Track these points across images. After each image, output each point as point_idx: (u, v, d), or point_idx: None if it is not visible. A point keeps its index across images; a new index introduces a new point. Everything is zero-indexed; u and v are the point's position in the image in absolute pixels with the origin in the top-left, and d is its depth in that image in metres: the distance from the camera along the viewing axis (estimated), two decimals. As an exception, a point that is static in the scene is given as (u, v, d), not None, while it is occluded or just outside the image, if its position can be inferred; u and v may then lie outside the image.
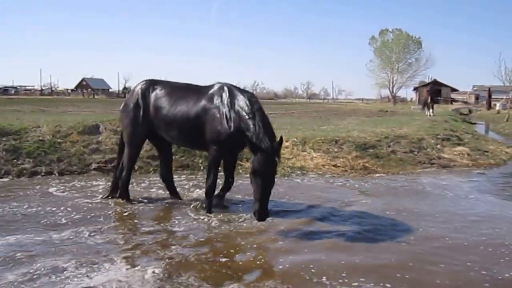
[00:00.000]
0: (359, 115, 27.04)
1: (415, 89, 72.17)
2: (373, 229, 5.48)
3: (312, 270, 4.18)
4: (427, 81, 68.19)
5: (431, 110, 24.42)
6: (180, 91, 6.32)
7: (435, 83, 61.89)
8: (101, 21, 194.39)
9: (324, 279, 4.00)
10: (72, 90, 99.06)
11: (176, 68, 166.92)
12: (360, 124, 17.59)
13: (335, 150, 10.49)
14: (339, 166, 9.58)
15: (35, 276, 3.87)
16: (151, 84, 6.50)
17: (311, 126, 16.53)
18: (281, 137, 5.33)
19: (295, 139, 10.85)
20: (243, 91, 5.95)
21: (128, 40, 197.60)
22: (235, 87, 6.03)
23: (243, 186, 7.41)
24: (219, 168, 6.12)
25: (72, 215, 5.78)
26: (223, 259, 4.45)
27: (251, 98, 5.74)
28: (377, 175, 9.22)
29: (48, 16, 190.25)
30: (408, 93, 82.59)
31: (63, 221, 5.54)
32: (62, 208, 6.05)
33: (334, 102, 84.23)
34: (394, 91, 75.91)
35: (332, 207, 6.49)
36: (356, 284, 3.91)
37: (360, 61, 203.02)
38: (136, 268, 4.13)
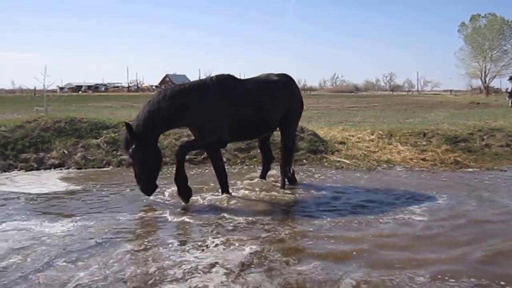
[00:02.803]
0: (448, 108, 25.72)
1: (511, 78, 66.65)
2: None
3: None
4: (526, 69, 62.68)
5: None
6: None
7: (534, 72, 56.64)
8: (179, 19, 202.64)
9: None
10: (156, 86, 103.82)
11: (254, 64, 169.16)
12: (450, 116, 16.76)
13: (423, 143, 10.12)
14: (427, 160, 9.23)
15: (148, 247, 4.46)
16: None
17: (396, 119, 16.10)
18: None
19: (380, 132, 10.65)
20: None
21: (208, 38, 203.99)
22: None
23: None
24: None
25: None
26: (311, 241, 4.67)
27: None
28: (470, 169, 8.77)
29: (132, 16, 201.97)
30: (503, 83, 76.43)
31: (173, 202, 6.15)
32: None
33: (419, 94, 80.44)
34: (487, 81, 70.77)
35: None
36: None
37: (448, 50, 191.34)
38: (234, 245, 4.50)
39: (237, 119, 6.21)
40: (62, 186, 7.21)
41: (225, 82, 6.32)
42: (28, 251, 4.27)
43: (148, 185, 5.88)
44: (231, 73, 6.56)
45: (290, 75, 7.16)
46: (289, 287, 3.62)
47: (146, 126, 5.77)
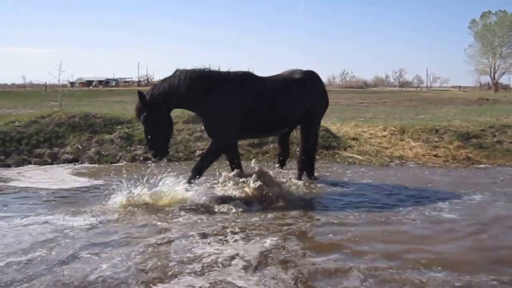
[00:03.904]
0: (457, 104, 25.65)
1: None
2: None
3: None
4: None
5: None
6: None
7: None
8: (190, 16, 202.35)
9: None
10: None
11: (261, 61, 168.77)
12: (460, 113, 16.73)
13: (436, 139, 10.14)
14: (440, 156, 9.27)
15: (170, 240, 4.56)
16: None
17: (406, 115, 16.09)
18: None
19: (393, 128, 10.67)
20: None
21: (214, 36, 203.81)
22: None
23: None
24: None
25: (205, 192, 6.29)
26: (331, 235, 4.72)
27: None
28: (482, 166, 8.78)
29: (143, 12, 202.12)
30: (512, 80, 75.56)
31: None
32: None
33: (428, 90, 79.82)
34: (496, 78, 70.18)
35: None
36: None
37: (458, 46, 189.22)
38: (255, 239, 4.57)
39: (254, 116, 6.24)
40: (81, 182, 7.26)
41: (243, 78, 6.36)
42: (52, 244, 4.37)
43: (159, 149, 6.09)
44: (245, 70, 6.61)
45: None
46: (301, 277, 3.72)
47: (161, 98, 5.92)
